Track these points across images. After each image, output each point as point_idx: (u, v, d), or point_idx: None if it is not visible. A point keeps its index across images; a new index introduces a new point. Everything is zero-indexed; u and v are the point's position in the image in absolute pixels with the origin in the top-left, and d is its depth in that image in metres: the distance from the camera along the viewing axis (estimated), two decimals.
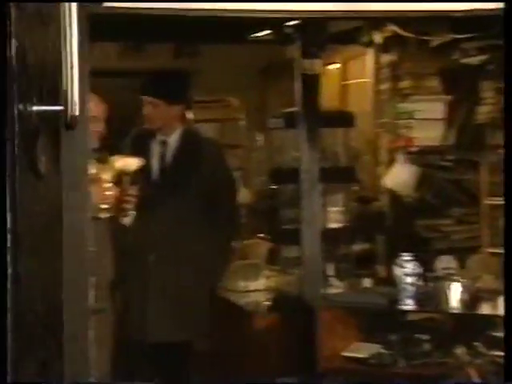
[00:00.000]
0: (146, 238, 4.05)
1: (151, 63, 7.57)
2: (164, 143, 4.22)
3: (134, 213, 3.67)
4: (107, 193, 3.49)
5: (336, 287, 4.52)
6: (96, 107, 3.53)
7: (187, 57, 7.58)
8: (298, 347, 4.18)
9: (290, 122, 4.39)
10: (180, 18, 4.79)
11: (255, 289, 4.72)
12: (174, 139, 4.21)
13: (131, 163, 3.64)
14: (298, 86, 4.30)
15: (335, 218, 4.73)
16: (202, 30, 6.37)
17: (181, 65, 7.75)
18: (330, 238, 4.50)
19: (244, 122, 6.40)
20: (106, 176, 3.53)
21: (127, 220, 3.71)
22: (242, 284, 4.75)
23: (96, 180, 3.36)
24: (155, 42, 7.08)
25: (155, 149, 4.21)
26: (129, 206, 3.62)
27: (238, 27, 4.79)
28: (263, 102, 6.62)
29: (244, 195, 5.66)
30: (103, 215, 3.49)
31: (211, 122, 6.61)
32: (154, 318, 4.02)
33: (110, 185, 3.53)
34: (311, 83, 4.26)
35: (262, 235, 5.33)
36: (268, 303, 4.54)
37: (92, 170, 3.21)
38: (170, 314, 4.03)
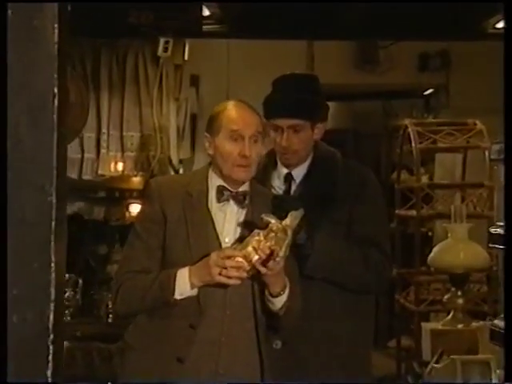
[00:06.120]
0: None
1: (388, 78, 6.17)
2: (288, 178, 2.91)
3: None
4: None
5: None
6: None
7: (432, 70, 6.08)
8: None
9: None
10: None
11: None
12: (300, 172, 2.91)
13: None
14: None
15: None
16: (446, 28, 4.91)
17: (426, 80, 6.26)
18: None
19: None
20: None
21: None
22: None
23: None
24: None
25: (276, 184, 2.97)
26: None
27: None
28: None
29: (483, 256, 4.09)
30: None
31: (448, 151, 5.12)
32: None
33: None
34: None
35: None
36: None
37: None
38: None
